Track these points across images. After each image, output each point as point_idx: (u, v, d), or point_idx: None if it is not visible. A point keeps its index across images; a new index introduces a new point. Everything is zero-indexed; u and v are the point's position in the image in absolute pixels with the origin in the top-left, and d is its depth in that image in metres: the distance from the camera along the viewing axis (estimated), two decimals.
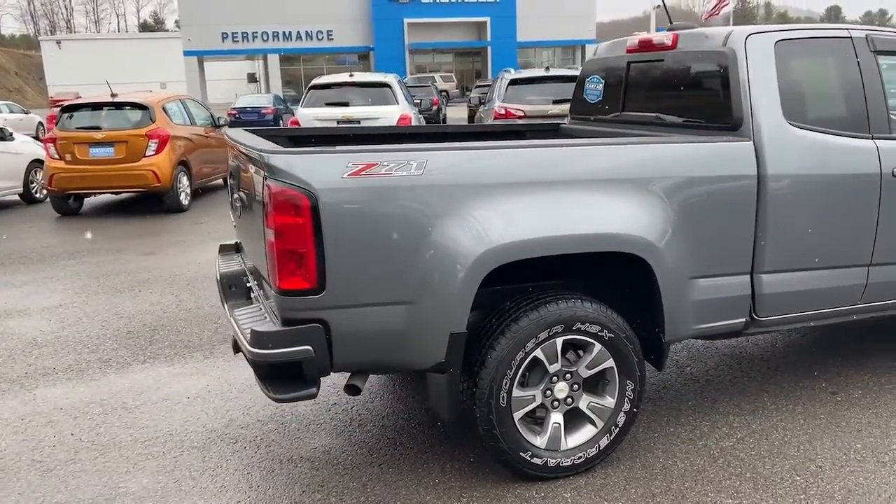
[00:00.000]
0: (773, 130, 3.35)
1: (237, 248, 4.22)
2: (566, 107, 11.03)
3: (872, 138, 3.57)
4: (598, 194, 3.08)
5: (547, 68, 12.64)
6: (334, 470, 3.33)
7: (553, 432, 3.15)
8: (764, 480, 3.15)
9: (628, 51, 4.20)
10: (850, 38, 3.65)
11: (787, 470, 3.23)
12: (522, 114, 11.14)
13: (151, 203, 10.66)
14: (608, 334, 3.09)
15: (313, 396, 2.86)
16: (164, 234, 8.91)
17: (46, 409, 4.05)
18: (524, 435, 3.11)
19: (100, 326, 5.43)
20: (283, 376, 2.90)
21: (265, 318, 3.07)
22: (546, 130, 4.88)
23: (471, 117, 20.78)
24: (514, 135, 4.82)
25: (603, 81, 4.46)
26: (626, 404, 3.21)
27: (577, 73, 12.99)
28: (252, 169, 3.08)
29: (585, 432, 3.21)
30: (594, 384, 3.21)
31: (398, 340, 2.90)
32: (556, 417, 3.16)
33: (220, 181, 12.05)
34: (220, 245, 4.28)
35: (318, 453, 3.49)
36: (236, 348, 3.54)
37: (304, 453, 3.49)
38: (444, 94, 32.81)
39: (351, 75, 11.23)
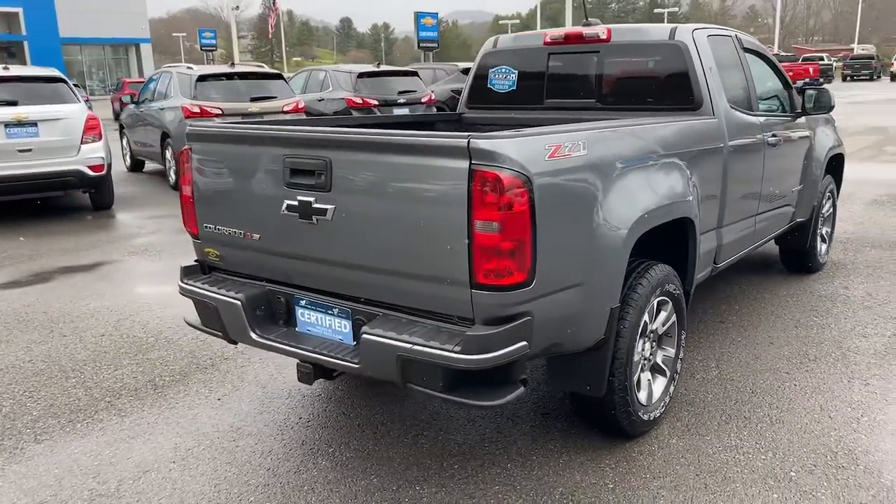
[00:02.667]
0: (724, 109, 4.10)
1: (203, 269, 3.51)
2: (266, 104, 10.90)
3: (755, 115, 4.58)
4: (669, 167, 3.45)
5: (232, 64, 11.98)
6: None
7: (648, 388, 3.44)
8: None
9: (547, 43, 4.57)
10: (731, 36, 4.62)
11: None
12: (220, 111, 10.49)
13: None
14: (676, 291, 3.49)
15: (523, 393, 2.71)
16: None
17: None
18: (637, 396, 3.34)
19: None
20: (479, 382, 2.68)
21: (390, 327, 2.74)
22: (450, 121, 4.98)
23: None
24: (426, 126, 4.84)
25: (516, 72, 4.74)
26: (681, 352, 3.65)
27: (270, 71, 12.71)
28: (404, 160, 2.69)
29: (660, 383, 3.55)
30: (660, 339, 3.58)
31: (573, 324, 2.89)
32: (647, 374, 3.45)
33: None
34: (184, 267, 3.48)
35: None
36: (314, 376, 3.06)
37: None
38: None
39: (6, 68, 9.10)
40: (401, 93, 13.59)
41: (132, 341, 4.85)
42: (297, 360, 3.16)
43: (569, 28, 4.52)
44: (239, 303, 3.16)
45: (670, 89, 4.15)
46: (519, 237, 2.53)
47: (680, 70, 4.07)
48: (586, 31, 4.41)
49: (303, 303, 3.15)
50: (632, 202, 3.07)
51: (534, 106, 4.69)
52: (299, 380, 3.14)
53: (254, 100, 10.88)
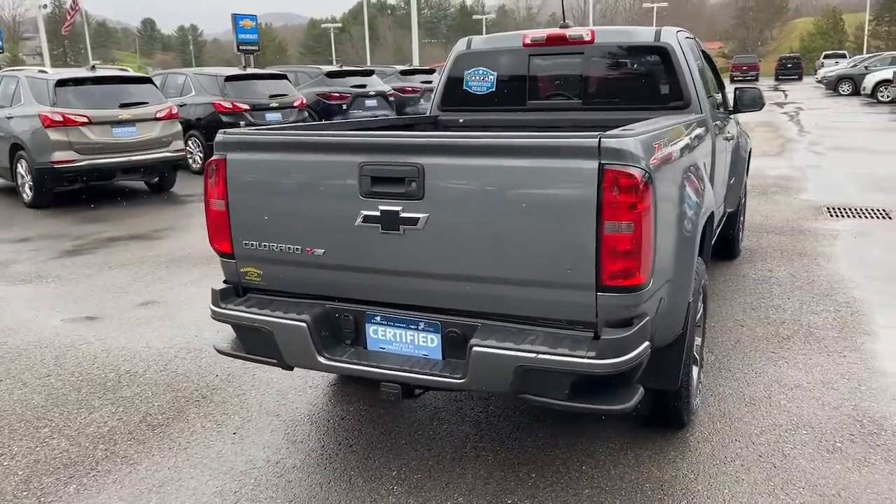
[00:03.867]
0: (707, 105, 4.33)
1: (237, 291, 3.19)
2: (137, 111, 10.07)
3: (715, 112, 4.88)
4: (703, 163, 3.61)
5: (93, 67, 10.87)
6: None
7: (692, 378, 3.56)
8: None
9: (527, 45, 4.59)
10: (694, 38, 4.89)
11: None
12: (87, 119, 9.54)
13: None
14: (705, 280, 3.65)
15: (643, 395, 2.70)
16: None
17: None
18: (691, 387, 3.45)
19: None
20: (599, 387, 2.65)
21: (513, 337, 2.66)
22: (429, 123, 4.85)
23: None
24: (404, 128, 4.73)
25: (494, 74, 4.72)
26: (704, 342, 3.81)
27: (137, 74, 11.64)
28: (518, 163, 2.58)
29: (695, 372, 3.69)
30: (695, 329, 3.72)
31: (665, 319, 2.92)
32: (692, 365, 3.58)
33: None
34: (218, 290, 3.13)
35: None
36: (408, 392, 2.88)
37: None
38: None
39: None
40: (272, 96, 13.05)
41: (90, 379, 4.28)
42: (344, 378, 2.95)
43: (551, 30, 4.57)
44: (304, 324, 2.90)
45: (658, 89, 4.32)
46: (644, 236, 2.52)
47: (668, 70, 4.25)
48: (569, 32, 4.48)
49: (377, 319, 2.94)
50: (701, 196, 3.18)
51: (516, 107, 4.69)
52: (383, 399, 2.92)
53: (123, 106, 9.98)
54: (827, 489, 3.01)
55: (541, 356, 2.54)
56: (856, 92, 30.28)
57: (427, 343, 2.87)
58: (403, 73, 19.31)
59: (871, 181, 10.27)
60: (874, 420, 3.56)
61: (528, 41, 4.58)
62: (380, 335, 2.95)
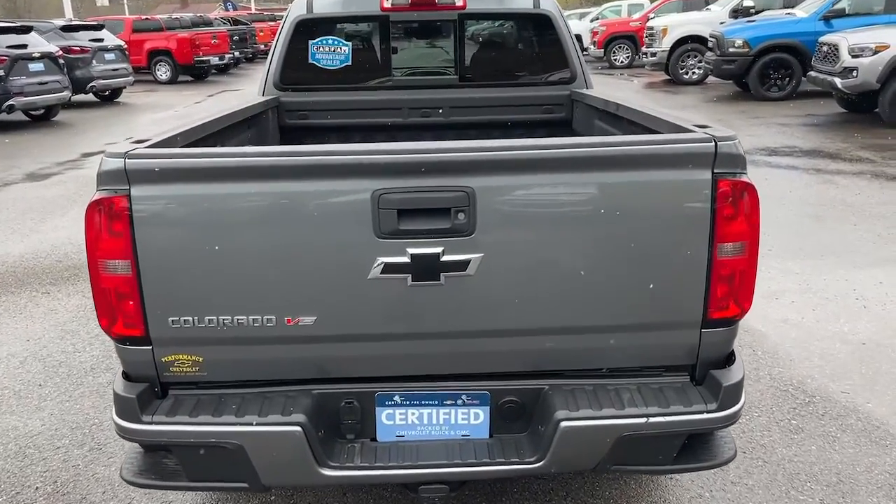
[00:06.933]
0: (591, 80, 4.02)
1: (155, 390, 2.13)
2: None
3: None
4: None
5: None
6: None
7: None
8: None
9: (386, 9, 3.83)
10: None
11: None
12: None
13: None
14: None
15: None
16: None
17: None
18: None
19: None
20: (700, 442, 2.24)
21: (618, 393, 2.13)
22: (269, 108, 3.82)
23: None
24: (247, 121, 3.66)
25: (349, 45, 3.87)
26: None
27: None
28: (607, 178, 1.97)
29: None
30: None
31: None
32: None
33: None
34: (136, 396, 2.03)
35: None
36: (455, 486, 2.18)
37: None
38: None
39: None
40: None
41: None
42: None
43: None
44: (298, 429, 2.01)
45: (542, 61, 3.91)
46: (754, 257, 2.12)
47: (551, 40, 3.85)
48: None
49: (393, 400, 2.16)
50: None
51: (378, 84, 3.93)
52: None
53: None
54: None
55: (652, 419, 2.04)
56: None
57: (469, 420, 2.17)
58: (65, 28, 16.31)
59: None
60: None
61: (387, 4, 3.81)
62: (397, 420, 2.17)
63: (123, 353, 2.10)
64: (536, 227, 2.00)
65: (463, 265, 1.98)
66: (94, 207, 1.95)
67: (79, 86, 15.03)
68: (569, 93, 3.85)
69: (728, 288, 2.07)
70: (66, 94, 13.69)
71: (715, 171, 1.98)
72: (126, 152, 1.94)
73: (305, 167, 1.96)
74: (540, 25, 3.87)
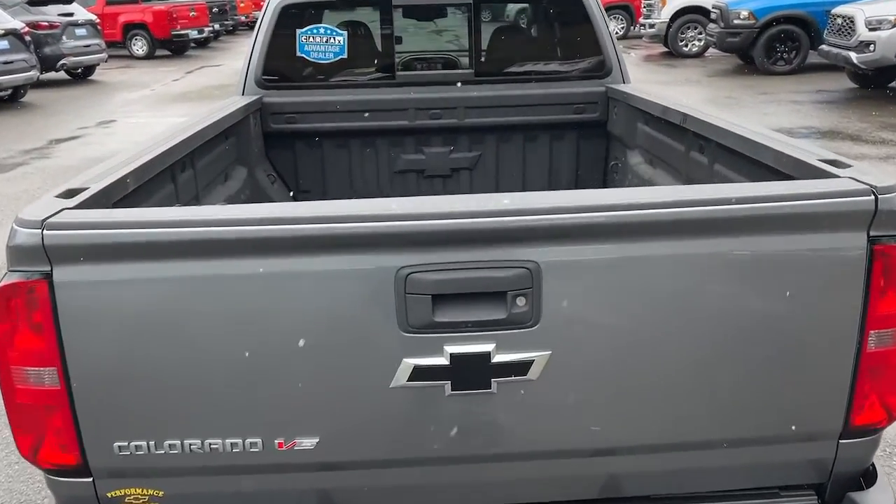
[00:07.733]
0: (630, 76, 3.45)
1: None
2: None
3: None
4: None
5: None
6: None
7: None
8: None
9: None
10: None
11: None
12: None
13: None
14: None
15: None
16: None
17: None
18: None
19: None
20: None
21: None
22: (252, 111, 3.22)
23: None
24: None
25: (343, 34, 3.26)
26: None
27: None
28: (717, 245, 1.42)
29: None
30: None
31: None
32: None
33: None
34: None
35: None
36: None
37: None
38: None
39: None
40: None
41: None
42: None
43: None
44: None
45: (571, 53, 3.33)
46: None
47: (582, 27, 3.26)
48: None
49: None
50: None
51: (381, 82, 3.33)
52: None
53: None
54: None
55: None
56: None
57: None
58: (32, 2, 15.43)
59: None
60: None
61: None
62: None
63: (55, 487, 1.54)
64: (624, 315, 1.45)
65: (523, 368, 1.43)
66: (1, 297, 1.38)
67: (48, 64, 14.24)
68: (604, 89, 3.28)
69: (876, 388, 1.54)
70: (34, 73, 12.88)
71: (871, 233, 1.44)
72: (44, 220, 1.36)
73: (303, 239, 1.38)
74: (568, 10, 3.28)
